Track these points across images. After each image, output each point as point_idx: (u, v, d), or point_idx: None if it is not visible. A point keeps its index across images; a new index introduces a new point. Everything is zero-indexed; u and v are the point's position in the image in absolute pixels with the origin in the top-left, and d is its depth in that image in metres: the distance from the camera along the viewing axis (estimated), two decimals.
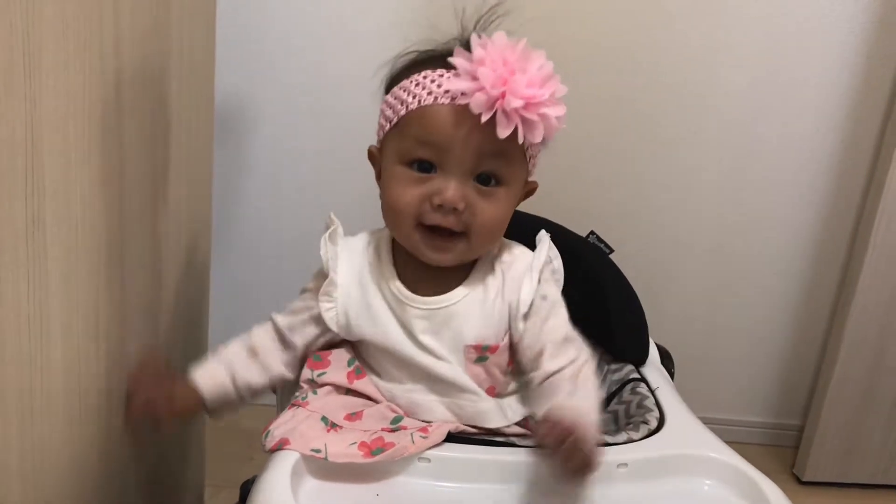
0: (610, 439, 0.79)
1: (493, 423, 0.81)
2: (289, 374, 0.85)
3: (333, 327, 0.83)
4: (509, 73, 0.70)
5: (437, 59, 0.77)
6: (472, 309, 0.80)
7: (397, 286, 0.81)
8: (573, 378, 0.78)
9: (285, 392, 0.88)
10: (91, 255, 0.70)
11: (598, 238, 1.01)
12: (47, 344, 0.63)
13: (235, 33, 1.41)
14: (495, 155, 0.75)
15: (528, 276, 0.81)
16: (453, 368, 0.80)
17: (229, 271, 1.53)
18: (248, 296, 1.57)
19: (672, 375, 1.00)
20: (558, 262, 0.86)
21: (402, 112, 0.77)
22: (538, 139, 0.72)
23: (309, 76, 1.47)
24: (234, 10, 1.40)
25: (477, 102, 0.71)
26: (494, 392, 0.82)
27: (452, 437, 0.77)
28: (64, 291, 0.65)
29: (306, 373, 0.83)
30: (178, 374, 0.84)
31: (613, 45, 1.45)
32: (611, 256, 1.00)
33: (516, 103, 0.70)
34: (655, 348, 1.02)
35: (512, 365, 0.83)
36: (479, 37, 0.73)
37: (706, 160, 1.53)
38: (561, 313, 0.82)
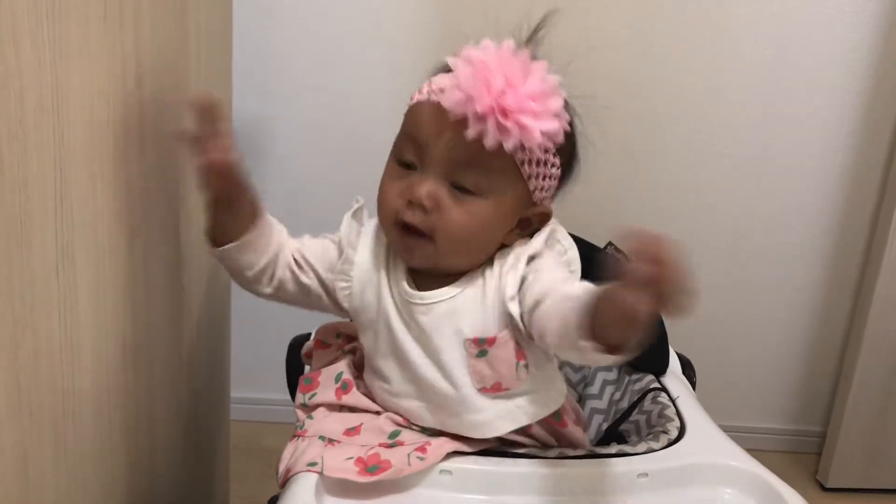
0: (630, 449, 0.79)
1: (485, 434, 0.78)
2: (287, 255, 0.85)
3: (345, 304, 0.81)
4: (493, 76, 0.66)
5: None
6: (470, 303, 0.76)
7: (402, 282, 0.78)
8: None
9: None
10: (118, 283, 0.72)
11: (617, 249, 1.01)
12: (79, 371, 0.65)
13: (251, 59, 1.43)
14: (471, 163, 0.71)
15: (515, 266, 0.76)
16: (437, 376, 0.77)
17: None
18: (267, 315, 1.58)
19: (693, 385, 1.00)
20: (574, 253, 0.80)
21: (406, 111, 0.77)
22: (510, 146, 0.67)
23: (324, 98, 1.49)
24: (248, 33, 1.42)
25: (450, 98, 0.68)
26: (501, 388, 0.77)
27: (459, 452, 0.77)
28: (94, 320, 0.67)
29: (299, 397, 0.84)
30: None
31: (623, 50, 1.46)
32: None
33: (485, 105, 0.66)
34: (676, 357, 1.02)
35: (523, 359, 0.77)
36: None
37: (719, 167, 1.53)
38: (560, 269, 0.77)
